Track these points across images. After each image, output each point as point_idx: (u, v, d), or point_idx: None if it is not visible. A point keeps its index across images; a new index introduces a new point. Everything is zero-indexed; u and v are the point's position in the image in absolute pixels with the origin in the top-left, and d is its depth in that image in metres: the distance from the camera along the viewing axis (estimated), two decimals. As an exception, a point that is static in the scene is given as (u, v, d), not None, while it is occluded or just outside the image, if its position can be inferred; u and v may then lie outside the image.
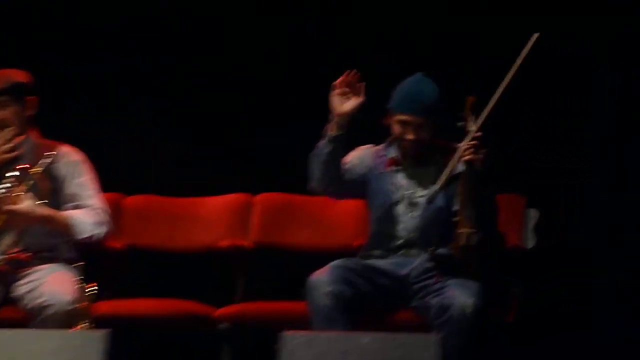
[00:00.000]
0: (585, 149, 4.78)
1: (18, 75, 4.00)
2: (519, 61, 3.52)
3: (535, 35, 3.53)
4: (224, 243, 4.58)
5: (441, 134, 3.96)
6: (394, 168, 3.97)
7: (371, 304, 3.83)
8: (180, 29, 4.94)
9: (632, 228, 4.67)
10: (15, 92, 3.94)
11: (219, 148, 5.03)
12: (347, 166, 3.92)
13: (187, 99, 5.03)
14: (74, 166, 4.08)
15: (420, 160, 3.99)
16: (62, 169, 4.04)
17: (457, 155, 3.72)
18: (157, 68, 4.97)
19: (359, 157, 4.00)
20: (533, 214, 4.28)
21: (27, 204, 3.78)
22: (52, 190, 3.97)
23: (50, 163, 3.95)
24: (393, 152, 4.02)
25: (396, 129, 3.93)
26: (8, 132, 3.87)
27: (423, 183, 3.93)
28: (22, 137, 3.99)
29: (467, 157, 3.68)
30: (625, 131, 4.72)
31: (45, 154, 3.93)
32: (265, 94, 4.97)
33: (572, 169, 4.72)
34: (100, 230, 4.03)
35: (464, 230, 3.60)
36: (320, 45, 4.84)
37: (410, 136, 3.88)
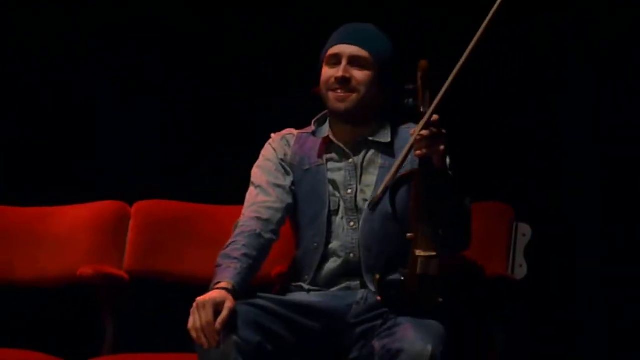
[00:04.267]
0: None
1: None
2: (487, 19, 3.07)
3: None
4: (86, 271, 4.02)
5: (393, 107, 3.39)
6: (325, 157, 3.39)
7: (292, 356, 3.24)
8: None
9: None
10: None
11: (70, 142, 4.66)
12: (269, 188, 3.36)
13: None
14: None
15: (363, 142, 3.38)
16: None
17: (407, 146, 3.22)
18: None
19: (272, 162, 3.40)
20: (525, 231, 3.86)
21: None
22: None
23: None
24: (324, 131, 3.41)
25: (325, 75, 3.33)
26: None
27: (368, 177, 3.35)
28: None
29: (420, 152, 3.15)
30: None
31: None
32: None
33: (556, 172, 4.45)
34: None
35: (420, 254, 3.13)
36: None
37: (339, 73, 3.27)
